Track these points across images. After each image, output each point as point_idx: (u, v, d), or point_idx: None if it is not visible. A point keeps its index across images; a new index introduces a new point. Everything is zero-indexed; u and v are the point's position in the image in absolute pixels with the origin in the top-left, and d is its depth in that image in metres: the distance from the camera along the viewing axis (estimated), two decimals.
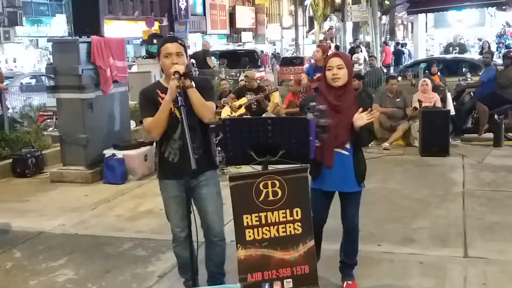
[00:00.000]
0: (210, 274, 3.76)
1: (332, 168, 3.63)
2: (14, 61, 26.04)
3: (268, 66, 26.33)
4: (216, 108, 3.77)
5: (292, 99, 9.58)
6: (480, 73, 10.45)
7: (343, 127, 3.59)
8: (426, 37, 21.35)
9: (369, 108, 3.59)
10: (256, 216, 3.37)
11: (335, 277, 3.98)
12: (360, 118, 3.51)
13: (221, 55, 22.16)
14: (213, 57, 18.17)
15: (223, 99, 9.35)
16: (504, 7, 20.85)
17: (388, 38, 25.27)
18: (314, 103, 3.61)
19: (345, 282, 3.88)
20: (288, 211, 3.40)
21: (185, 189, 3.31)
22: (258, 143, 3.43)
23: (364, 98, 3.95)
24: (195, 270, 3.45)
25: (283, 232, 3.39)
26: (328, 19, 33.42)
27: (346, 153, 3.66)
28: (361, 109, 3.55)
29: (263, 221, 3.38)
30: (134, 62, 16.42)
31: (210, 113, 3.41)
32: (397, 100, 9.24)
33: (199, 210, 3.56)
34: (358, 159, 3.70)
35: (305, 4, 46.36)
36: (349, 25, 34.75)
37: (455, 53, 16.21)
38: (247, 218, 3.37)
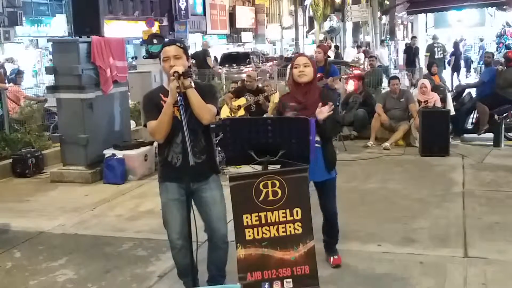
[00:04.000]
0: (211, 276, 3.76)
1: None
2: (12, 61, 26.02)
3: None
4: (217, 114, 3.78)
5: None
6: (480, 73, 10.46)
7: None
8: (426, 37, 21.32)
9: (331, 103, 3.83)
10: (256, 216, 3.38)
11: (334, 276, 3.97)
12: (320, 112, 3.78)
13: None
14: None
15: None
16: (504, 7, 20.83)
17: (388, 38, 25.24)
18: (291, 104, 3.97)
19: (331, 258, 4.24)
20: (288, 211, 3.40)
21: (185, 193, 3.31)
22: (258, 143, 3.44)
23: (329, 93, 4.36)
24: (195, 271, 3.45)
25: (283, 232, 3.40)
26: (328, 19, 33.45)
27: (317, 145, 3.89)
28: (320, 103, 3.83)
29: (263, 221, 3.38)
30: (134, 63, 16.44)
31: (209, 115, 3.40)
32: (401, 100, 9.23)
33: (202, 214, 3.56)
34: (327, 150, 4.01)
35: (305, 4, 46.35)
36: (349, 25, 34.77)
37: (440, 53, 16.25)
38: (247, 217, 3.37)
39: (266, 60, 26.24)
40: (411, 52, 17.11)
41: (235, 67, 22.37)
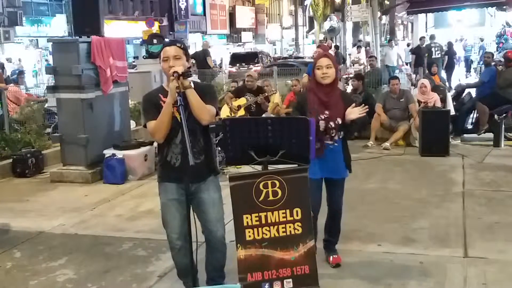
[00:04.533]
0: (209, 277, 3.75)
1: (322, 159, 3.95)
2: (10, 61, 26.02)
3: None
4: (217, 115, 3.78)
5: (292, 99, 9.57)
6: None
7: (332, 121, 3.94)
8: (426, 37, 21.32)
9: (364, 104, 4.01)
10: (256, 216, 3.38)
11: (334, 277, 3.97)
12: (353, 112, 3.88)
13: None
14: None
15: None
16: (504, 7, 20.83)
17: (388, 38, 25.22)
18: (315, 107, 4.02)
19: (331, 257, 4.24)
20: (288, 211, 3.40)
21: (185, 193, 3.31)
22: (258, 143, 3.44)
23: (348, 94, 4.43)
24: (195, 271, 3.45)
25: (283, 232, 3.40)
26: (328, 19, 33.42)
27: (336, 144, 4.02)
28: (354, 104, 3.96)
29: (263, 221, 3.38)
30: (134, 63, 16.46)
31: (208, 116, 3.40)
32: (401, 100, 9.23)
33: (199, 214, 3.54)
34: (346, 149, 4.12)
35: (305, 4, 46.38)
36: (349, 25, 34.74)
37: (438, 53, 16.26)
38: (247, 218, 3.37)
39: (274, 60, 27.26)
40: (420, 52, 17.06)
41: (244, 65, 23.70)
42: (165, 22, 29.29)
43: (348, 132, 4.06)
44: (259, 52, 28.56)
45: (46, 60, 26.66)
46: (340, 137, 4.03)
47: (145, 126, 3.52)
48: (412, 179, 7.02)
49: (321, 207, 4.16)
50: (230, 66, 24.74)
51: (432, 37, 17.73)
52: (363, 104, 3.99)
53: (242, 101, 9.04)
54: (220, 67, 22.86)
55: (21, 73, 12.14)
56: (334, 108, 3.93)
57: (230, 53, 28.60)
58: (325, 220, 4.27)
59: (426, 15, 22.54)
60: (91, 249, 4.94)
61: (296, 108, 4.21)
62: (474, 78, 19.40)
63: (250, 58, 25.49)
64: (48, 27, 28.62)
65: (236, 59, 25.63)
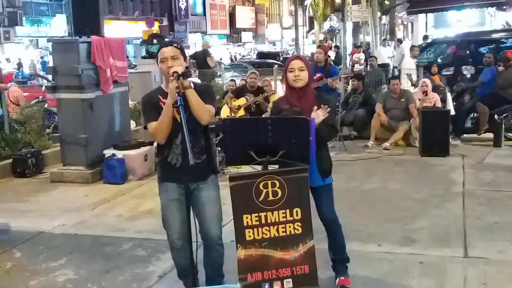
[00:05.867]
0: (208, 276, 3.75)
1: None
2: (9, 61, 26.06)
3: None
4: (217, 114, 3.78)
5: None
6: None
7: None
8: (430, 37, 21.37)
9: (326, 105, 3.65)
10: (256, 216, 3.38)
11: (334, 277, 3.97)
12: (316, 116, 3.61)
13: None
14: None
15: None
16: (504, 7, 20.85)
17: (388, 38, 25.22)
18: (286, 107, 3.80)
19: (338, 278, 3.91)
20: (288, 211, 3.40)
21: (185, 193, 3.31)
22: (258, 143, 3.44)
23: (324, 95, 4.12)
24: (195, 271, 3.45)
25: (283, 232, 3.40)
26: (328, 19, 33.45)
27: None
28: (315, 107, 3.66)
29: (263, 221, 3.38)
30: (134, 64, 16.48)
31: (208, 116, 3.39)
32: (401, 100, 9.23)
33: (196, 214, 3.53)
34: (321, 156, 3.79)
35: (305, 4, 46.35)
36: (349, 25, 34.73)
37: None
38: (247, 218, 3.37)
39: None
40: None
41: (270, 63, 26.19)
42: (165, 22, 29.33)
43: (318, 136, 3.63)
44: (281, 51, 32.60)
45: (41, 57, 26.71)
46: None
47: (145, 127, 3.51)
48: (412, 179, 7.02)
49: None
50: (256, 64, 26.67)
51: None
52: (327, 106, 3.64)
53: (242, 101, 9.05)
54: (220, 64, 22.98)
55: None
56: (306, 113, 3.64)
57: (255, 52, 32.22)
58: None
59: (426, 15, 22.57)
60: (91, 249, 4.94)
61: (272, 113, 4.02)
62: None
63: (273, 57, 28.20)
64: (48, 27, 28.66)
65: (262, 58, 28.66)
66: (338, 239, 3.94)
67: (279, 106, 3.91)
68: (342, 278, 3.90)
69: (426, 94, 8.90)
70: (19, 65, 23.01)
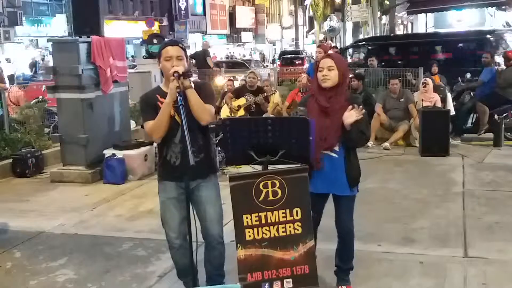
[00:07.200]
0: (209, 275, 3.75)
1: (323, 170, 3.60)
2: (8, 61, 26.03)
3: None
4: (218, 114, 3.79)
5: (296, 98, 9.49)
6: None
7: (333, 129, 3.56)
8: None
9: (360, 106, 3.52)
10: (256, 216, 3.37)
11: (334, 277, 3.98)
12: (349, 116, 3.47)
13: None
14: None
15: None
16: (504, 7, 20.85)
17: None
18: (302, 108, 3.68)
19: (340, 287, 3.88)
20: (288, 211, 3.40)
21: (184, 192, 3.31)
22: (258, 143, 3.43)
23: (357, 97, 3.93)
24: (195, 271, 3.44)
25: (283, 232, 3.39)
26: (328, 19, 33.43)
27: (335, 155, 3.61)
28: (350, 106, 3.50)
29: (263, 221, 3.38)
30: (134, 63, 16.47)
31: (208, 116, 3.40)
32: (401, 100, 9.22)
33: (197, 213, 3.54)
34: (350, 163, 3.64)
35: (305, 4, 46.37)
36: (349, 25, 34.75)
37: None
38: (247, 218, 3.37)
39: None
40: None
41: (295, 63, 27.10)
42: (165, 22, 29.30)
43: (348, 140, 3.56)
44: (301, 51, 34.16)
45: (42, 59, 26.68)
46: (340, 146, 3.60)
47: (142, 126, 3.50)
48: (412, 179, 7.02)
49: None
50: (280, 64, 28.07)
51: None
52: (362, 108, 3.51)
53: (242, 101, 9.05)
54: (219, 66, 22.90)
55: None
56: (335, 115, 3.53)
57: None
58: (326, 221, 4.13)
59: (426, 15, 22.58)
60: (91, 249, 4.94)
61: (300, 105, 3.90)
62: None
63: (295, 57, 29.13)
64: (48, 27, 28.64)
65: (285, 57, 29.15)
66: (349, 249, 3.86)
67: (304, 103, 3.75)
68: (344, 287, 3.86)
69: (425, 86, 8.94)
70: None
